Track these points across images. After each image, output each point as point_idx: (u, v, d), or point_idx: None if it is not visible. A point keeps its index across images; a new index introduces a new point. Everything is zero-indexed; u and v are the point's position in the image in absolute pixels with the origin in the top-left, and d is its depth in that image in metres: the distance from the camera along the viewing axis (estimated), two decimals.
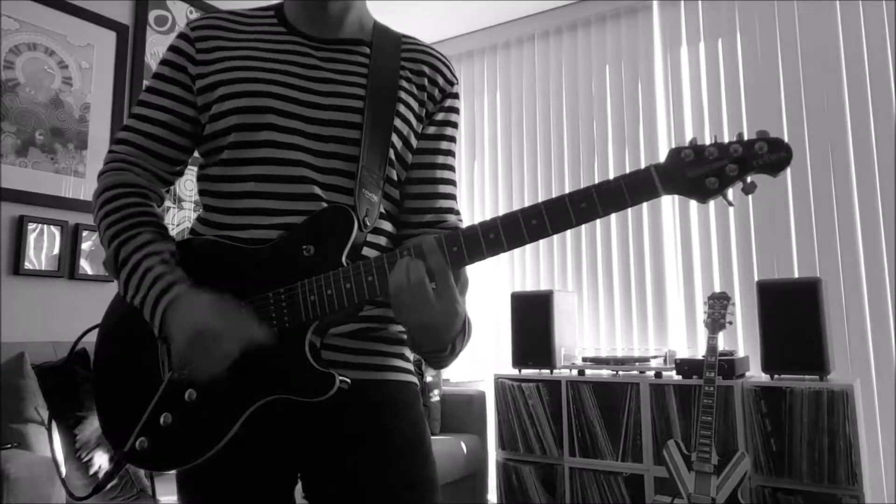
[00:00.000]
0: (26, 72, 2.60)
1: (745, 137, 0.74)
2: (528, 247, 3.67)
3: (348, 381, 0.83)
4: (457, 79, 1.08)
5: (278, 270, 0.86)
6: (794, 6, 3.07)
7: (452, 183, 1.06)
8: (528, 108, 3.81)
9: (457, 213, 1.04)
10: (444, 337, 0.83)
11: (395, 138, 0.96)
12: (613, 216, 3.43)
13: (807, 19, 3.03)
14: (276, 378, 0.83)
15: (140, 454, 0.85)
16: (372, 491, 0.89)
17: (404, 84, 0.99)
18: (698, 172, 0.75)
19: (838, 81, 2.94)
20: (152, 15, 3.08)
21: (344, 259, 0.85)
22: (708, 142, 0.76)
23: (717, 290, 2.97)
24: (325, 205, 0.89)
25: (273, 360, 0.83)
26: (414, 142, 1.00)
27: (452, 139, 1.06)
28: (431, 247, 0.79)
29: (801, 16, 3.05)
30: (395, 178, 0.98)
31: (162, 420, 0.85)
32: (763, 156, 0.73)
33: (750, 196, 3.07)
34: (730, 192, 0.76)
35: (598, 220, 3.45)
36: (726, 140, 0.75)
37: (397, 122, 0.96)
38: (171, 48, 0.99)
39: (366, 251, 0.91)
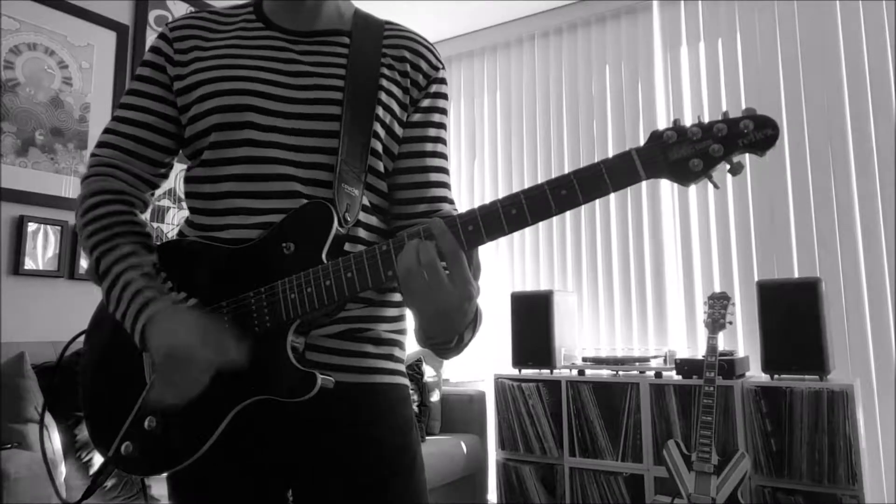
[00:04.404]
0: (26, 72, 2.60)
1: (731, 116, 0.71)
2: (527, 247, 3.67)
3: (332, 379, 0.81)
4: (442, 64, 1.03)
5: (259, 269, 0.85)
6: (794, 6, 3.07)
7: (444, 171, 1.02)
8: (528, 108, 3.81)
9: (451, 201, 1.01)
10: (457, 325, 0.79)
11: (377, 128, 0.93)
12: (613, 215, 3.43)
13: (807, 19, 3.03)
14: (258, 379, 0.82)
15: (125, 458, 0.84)
16: (358, 499, 0.89)
17: (386, 72, 0.96)
18: (681, 154, 0.71)
19: (838, 81, 2.93)
20: (152, 15, 3.08)
21: (324, 256, 0.83)
22: (691, 122, 0.73)
23: (717, 289, 2.98)
24: (305, 201, 0.88)
25: (255, 360, 0.82)
26: (399, 131, 0.97)
27: (441, 125, 1.02)
28: (441, 228, 0.76)
29: (801, 16, 3.05)
30: (381, 169, 0.95)
31: (146, 424, 0.84)
32: (749, 134, 0.70)
33: (750, 195, 3.09)
34: (727, 175, 0.73)
35: (597, 220, 3.45)
36: (711, 119, 0.72)
37: (379, 112, 0.93)
38: (151, 49, 0.98)
39: (348, 246, 0.89)
